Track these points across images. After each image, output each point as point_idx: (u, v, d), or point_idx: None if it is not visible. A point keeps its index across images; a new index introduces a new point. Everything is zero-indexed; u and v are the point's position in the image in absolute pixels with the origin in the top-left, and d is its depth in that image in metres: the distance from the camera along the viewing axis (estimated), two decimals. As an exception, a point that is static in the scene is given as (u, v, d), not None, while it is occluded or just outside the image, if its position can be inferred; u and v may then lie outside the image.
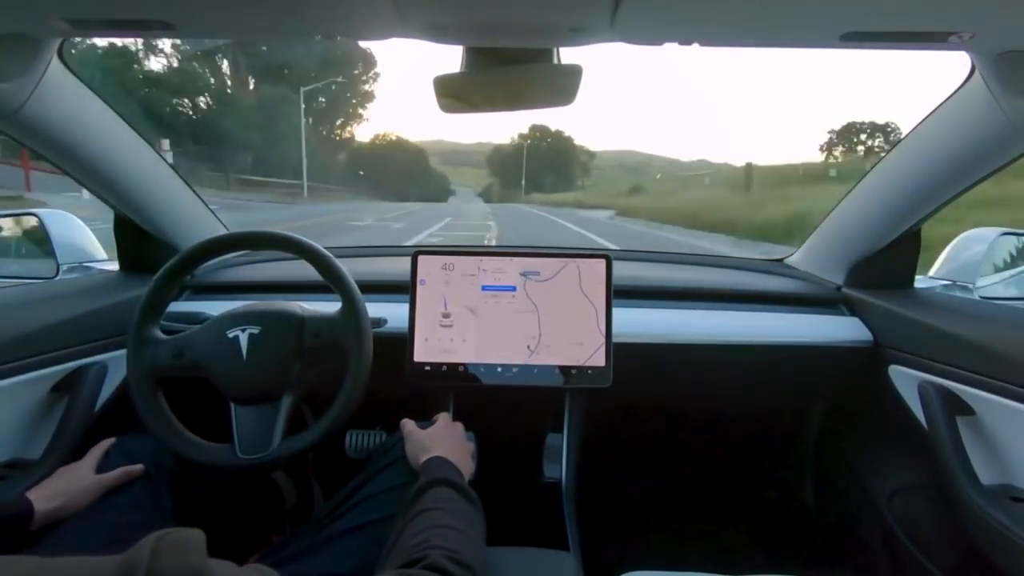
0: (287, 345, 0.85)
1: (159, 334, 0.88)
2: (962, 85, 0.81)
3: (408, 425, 0.83)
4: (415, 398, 1.05)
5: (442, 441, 0.78)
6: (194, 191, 1.20)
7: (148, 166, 1.07)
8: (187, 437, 0.83)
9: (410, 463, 0.77)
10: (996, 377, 0.82)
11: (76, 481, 0.75)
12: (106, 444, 0.82)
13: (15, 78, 0.74)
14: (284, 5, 0.60)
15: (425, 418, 0.87)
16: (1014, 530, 0.75)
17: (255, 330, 0.85)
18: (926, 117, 0.91)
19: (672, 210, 17.33)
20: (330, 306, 0.89)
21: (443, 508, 0.63)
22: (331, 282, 0.87)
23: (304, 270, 0.91)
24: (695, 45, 0.66)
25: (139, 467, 0.79)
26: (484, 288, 1.01)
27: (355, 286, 0.87)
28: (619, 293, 1.03)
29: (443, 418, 0.85)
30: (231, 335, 0.85)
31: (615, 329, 0.99)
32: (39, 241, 1.27)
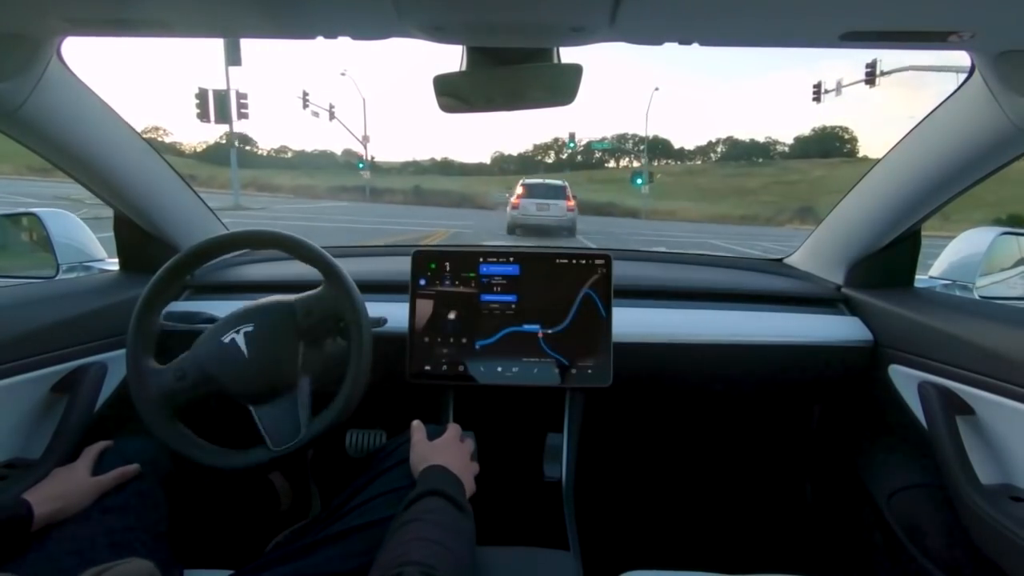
0: (285, 331, 0.85)
1: (154, 364, 0.85)
2: (962, 85, 0.81)
3: (418, 432, 0.82)
4: (415, 398, 1.05)
5: (446, 453, 0.77)
6: (194, 191, 1.20)
7: (148, 166, 1.07)
8: (215, 450, 0.83)
9: (411, 470, 0.76)
10: (996, 377, 0.82)
11: (73, 483, 0.75)
12: (100, 446, 0.82)
13: (15, 77, 0.74)
14: (284, 5, 0.60)
15: (427, 418, 0.87)
16: (1014, 530, 0.75)
17: (249, 328, 0.85)
18: (926, 117, 0.91)
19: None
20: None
21: (430, 520, 0.62)
22: (329, 281, 0.87)
23: (304, 269, 0.91)
24: (695, 44, 0.66)
25: (135, 467, 0.79)
26: (484, 287, 1.01)
27: (353, 284, 0.87)
28: (619, 293, 1.03)
29: (452, 429, 0.84)
30: (227, 339, 0.84)
31: (615, 329, 0.99)
32: (39, 240, 1.27)
